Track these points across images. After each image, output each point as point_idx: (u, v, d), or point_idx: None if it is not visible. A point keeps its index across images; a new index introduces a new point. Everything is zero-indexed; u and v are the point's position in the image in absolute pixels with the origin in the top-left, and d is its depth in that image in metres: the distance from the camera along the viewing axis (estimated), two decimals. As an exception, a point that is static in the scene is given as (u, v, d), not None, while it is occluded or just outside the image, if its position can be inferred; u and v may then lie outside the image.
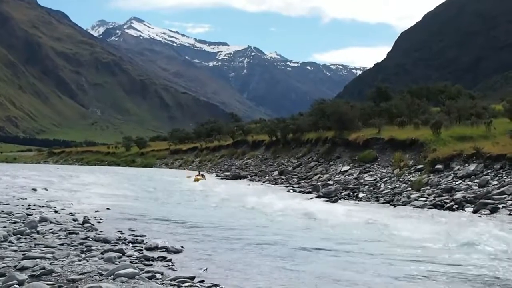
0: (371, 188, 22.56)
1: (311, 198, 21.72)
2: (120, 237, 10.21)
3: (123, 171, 56.28)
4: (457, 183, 19.15)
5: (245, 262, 8.41)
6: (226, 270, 7.77)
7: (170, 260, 8.24)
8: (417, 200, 18.12)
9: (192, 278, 6.95)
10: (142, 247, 9.23)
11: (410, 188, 20.55)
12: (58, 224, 11.58)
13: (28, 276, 6.41)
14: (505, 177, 17.92)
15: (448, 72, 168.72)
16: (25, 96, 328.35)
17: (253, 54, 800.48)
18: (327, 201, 20.19)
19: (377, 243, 10.58)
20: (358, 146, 30.32)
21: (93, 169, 61.84)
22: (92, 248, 8.65)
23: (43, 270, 6.71)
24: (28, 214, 12.99)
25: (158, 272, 7.13)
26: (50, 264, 7.20)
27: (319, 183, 25.68)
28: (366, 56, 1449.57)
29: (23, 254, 7.73)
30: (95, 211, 14.86)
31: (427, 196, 18.44)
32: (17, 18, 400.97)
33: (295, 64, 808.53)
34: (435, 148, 23.16)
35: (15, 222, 11.21)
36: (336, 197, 20.83)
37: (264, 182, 32.60)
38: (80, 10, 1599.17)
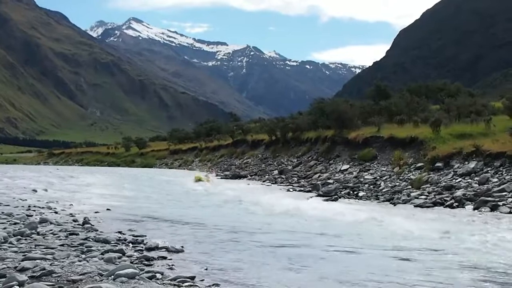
0: (371, 186, 22.56)
1: (311, 197, 21.70)
2: (120, 237, 10.19)
3: (123, 171, 56.23)
4: (457, 181, 19.16)
5: (246, 262, 8.41)
6: (227, 270, 7.76)
7: (170, 260, 8.23)
8: (417, 198, 18.11)
9: (193, 278, 6.94)
10: (142, 247, 9.22)
11: (410, 186, 20.55)
12: (58, 225, 11.58)
13: (28, 277, 6.40)
14: (505, 174, 17.92)
15: (447, 70, 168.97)
16: (24, 97, 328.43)
17: (252, 53, 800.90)
18: (327, 200, 20.18)
19: (378, 241, 10.56)
20: (358, 145, 30.31)
21: (93, 169, 61.80)
22: (92, 248, 8.64)
23: (43, 271, 6.70)
24: (28, 215, 12.98)
25: (158, 272, 7.12)
26: (51, 265, 7.19)
27: (319, 182, 25.68)
28: (365, 54, 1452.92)
29: (23, 255, 7.72)
30: (95, 212, 14.84)
31: (427, 194, 18.44)
32: (16, 19, 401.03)
33: (294, 63, 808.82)
34: (434, 146, 23.16)
35: (15, 223, 11.20)
36: (336, 196, 20.83)
37: (264, 181, 32.59)
38: (79, 11, 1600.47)
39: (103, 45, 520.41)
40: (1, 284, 6.02)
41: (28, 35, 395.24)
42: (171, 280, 6.77)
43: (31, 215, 13.14)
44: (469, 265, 8.24)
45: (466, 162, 20.32)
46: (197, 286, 6.57)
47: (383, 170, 25.15)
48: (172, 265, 7.89)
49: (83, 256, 7.99)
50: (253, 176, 36.67)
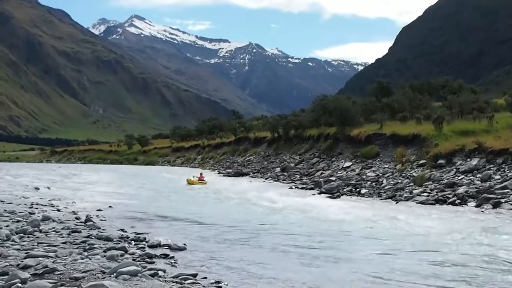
0: (374, 183, 22.54)
1: (314, 194, 21.71)
2: (122, 235, 10.22)
3: (126, 169, 56.34)
4: (459, 178, 19.13)
5: (247, 259, 8.41)
6: (229, 268, 7.77)
7: (172, 258, 8.24)
8: (419, 195, 18.10)
9: (195, 276, 6.96)
10: (144, 244, 9.24)
11: (412, 184, 20.53)
12: (60, 222, 11.61)
13: (30, 274, 6.42)
14: (508, 171, 17.89)
15: (450, 67, 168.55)
16: (27, 95, 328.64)
17: (254, 50, 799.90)
18: (329, 197, 20.17)
19: (380, 240, 10.56)
20: (360, 142, 30.27)
21: (96, 167, 61.94)
22: (94, 246, 8.66)
23: (46, 269, 6.72)
24: (30, 213, 13.03)
25: (161, 270, 7.14)
26: (53, 262, 7.21)
27: (321, 179, 25.66)
28: (368, 51, 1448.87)
29: (25, 253, 7.75)
30: (98, 210, 14.88)
31: (429, 191, 18.42)
32: (18, 17, 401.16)
33: (297, 60, 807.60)
34: (437, 143, 23.12)
35: (17, 221, 11.24)
36: (338, 193, 20.82)
37: (266, 179, 32.58)
38: (81, 8, 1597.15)
39: (106, 43, 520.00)
40: (4, 282, 6.03)
41: (31, 33, 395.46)
42: (173, 277, 6.78)
43: (34, 213, 13.18)
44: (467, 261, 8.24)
45: (469, 159, 20.29)
46: (199, 283, 6.57)
47: (386, 167, 25.12)
48: (175, 262, 7.91)
49: (86, 253, 8.01)
50: (255, 174, 36.66)
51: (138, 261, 7.68)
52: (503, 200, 15.20)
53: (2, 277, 6.25)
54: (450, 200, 16.53)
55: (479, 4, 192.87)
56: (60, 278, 6.40)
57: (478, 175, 18.62)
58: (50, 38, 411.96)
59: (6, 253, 7.68)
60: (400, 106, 33.18)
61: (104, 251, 8.19)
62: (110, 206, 16.01)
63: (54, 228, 10.61)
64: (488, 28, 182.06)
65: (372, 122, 32.38)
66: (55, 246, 8.53)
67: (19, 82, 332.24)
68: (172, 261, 8.02)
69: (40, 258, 7.34)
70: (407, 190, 19.45)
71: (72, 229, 10.56)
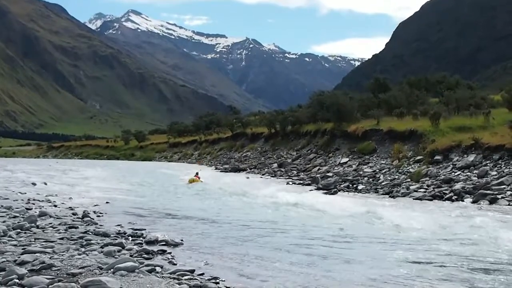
0: (370, 179, 22.57)
1: (311, 190, 21.72)
2: (119, 230, 10.21)
3: (123, 164, 56.30)
4: (456, 174, 19.17)
5: (245, 255, 8.42)
6: (226, 263, 7.77)
7: (170, 254, 8.24)
8: (416, 191, 18.13)
9: (192, 271, 6.96)
10: (141, 240, 9.23)
11: (409, 180, 20.57)
12: (57, 218, 11.59)
13: (28, 270, 6.41)
14: (504, 167, 17.94)
15: (447, 63, 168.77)
16: (24, 90, 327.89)
17: (251, 46, 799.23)
18: (326, 193, 20.21)
19: (377, 236, 10.58)
20: (357, 138, 30.31)
21: (93, 163, 61.88)
22: (91, 242, 8.66)
23: (43, 264, 6.71)
24: (27, 209, 13.00)
25: (158, 266, 7.13)
26: (50, 258, 7.20)
27: (318, 175, 25.69)
28: (365, 47, 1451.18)
29: (22, 249, 7.73)
30: (95, 205, 14.87)
31: (426, 187, 18.46)
32: (15, 11, 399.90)
33: (294, 56, 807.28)
34: (434, 139, 23.16)
35: (14, 217, 11.22)
36: (335, 189, 20.86)
37: (263, 174, 32.61)
38: (78, 3, 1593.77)
39: (102, 38, 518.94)
40: (1, 278, 6.03)
41: (27, 28, 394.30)
42: (170, 273, 6.78)
43: (31, 209, 13.16)
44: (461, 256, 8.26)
45: (465, 155, 20.33)
46: (196, 279, 6.58)
47: (383, 163, 25.16)
48: (172, 258, 7.90)
49: (83, 249, 8.01)
50: (252, 169, 36.70)
51: (136, 257, 7.68)
52: (499, 196, 15.25)
53: (0, 273, 6.25)
54: (447, 196, 16.56)
55: (477, 0, 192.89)
56: (57, 274, 6.39)
57: (475, 171, 18.67)
58: (47, 33, 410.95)
59: (3, 249, 7.66)
60: (397, 102, 33.21)
61: (101, 247, 8.19)
62: (107, 202, 15.99)
63: (51, 223, 10.59)
64: (485, 24, 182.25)
65: (369, 118, 32.42)
66: (52, 242, 8.52)
67: (16, 77, 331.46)
68: (170, 257, 8.02)
69: (37, 254, 7.33)
70: (404, 186, 19.49)
71: (69, 224, 10.54)
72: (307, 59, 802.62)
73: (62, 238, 8.95)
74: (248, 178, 30.72)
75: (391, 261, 8.11)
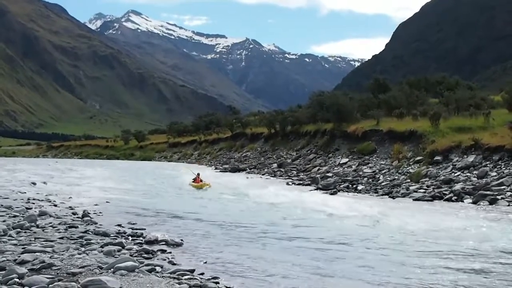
0: (370, 180, 22.57)
1: (310, 190, 21.73)
2: (119, 230, 10.22)
3: (122, 164, 56.26)
4: (456, 174, 19.18)
5: (245, 255, 8.42)
6: (226, 263, 7.78)
7: (170, 253, 8.25)
8: (416, 191, 18.12)
9: (192, 271, 6.96)
10: (141, 240, 9.24)
11: (409, 180, 20.57)
12: (57, 217, 11.60)
13: (28, 269, 6.42)
14: (504, 168, 17.94)
15: (447, 63, 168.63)
16: (23, 90, 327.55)
17: (251, 46, 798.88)
18: (326, 193, 20.21)
19: (377, 236, 10.58)
20: (357, 138, 30.30)
21: (92, 162, 61.85)
22: (91, 241, 8.67)
23: (43, 264, 6.72)
24: (27, 208, 13.00)
25: (158, 265, 7.15)
26: (50, 257, 7.21)
27: (318, 176, 25.69)
28: (365, 47, 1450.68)
29: (22, 248, 7.74)
30: (95, 205, 14.87)
31: (426, 187, 18.45)
32: (15, 11, 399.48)
33: (293, 56, 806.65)
34: (433, 139, 23.16)
35: (14, 216, 11.22)
36: (335, 189, 20.85)
37: (263, 174, 32.60)
38: (78, 3, 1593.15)
39: (102, 38, 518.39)
40: (1, 277, 6.03)
41: (27, 28, 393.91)
42: (170, 273, 6.79)
43: (31, 208, 13.16)
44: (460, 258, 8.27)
45: (465, 156, 20.33)
46: (196, 279, 6.58)
47: (382, 164, 25.15)
48: (172, 258, 7.91)
49: (83, 249, 8.01)
50: (252, 169, 36.68)
51: (135, 256, 7.69)
52: (499, 197, 15.25)
53: (0, 272, 6.25)
54: (447, 196, 16.56)
55: (476, 0, 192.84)
56: (57, 274, 6.40)
57: (475, 172, 18.66)
58: (47, 33, 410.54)
59: (3, 248, 7.67)
60: (397, 102, 33.19)
61: (101, 247, 8.20)
62: (107, 201, 16.00)
63: (51, 223, 10.59)
64: (485, 24, 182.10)
65: (368, 118, 32.40)
66: (52, 241, 8.53)
67: (16, 77, 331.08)
68: (170, 256, 8.03)
69: (37, 253, 7.34)
70: (404, 187, 19.49)
71: (69, 224, 10.55)
72: (307, 59, 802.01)
73: (62, 238, 8.96)
74: (248, 178, 30.70)
75: (394, 263, 8.12)
